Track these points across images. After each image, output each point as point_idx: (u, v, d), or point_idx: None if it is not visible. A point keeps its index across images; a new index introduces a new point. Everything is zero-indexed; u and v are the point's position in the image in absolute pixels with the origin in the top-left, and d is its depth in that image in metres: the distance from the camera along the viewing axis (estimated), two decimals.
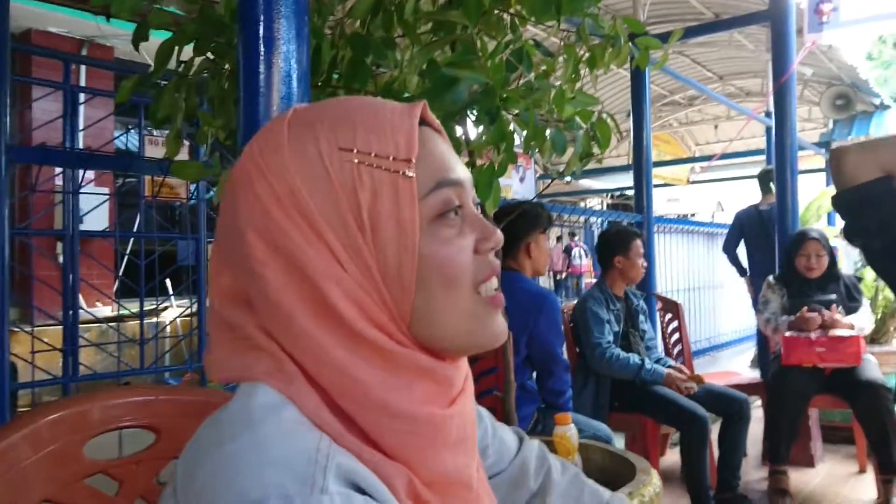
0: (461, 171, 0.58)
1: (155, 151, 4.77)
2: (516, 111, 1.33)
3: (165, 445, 0.86)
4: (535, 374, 2.39)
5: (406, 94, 1.43)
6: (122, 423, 0.84)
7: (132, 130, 5.90)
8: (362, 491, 0.48)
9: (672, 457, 3.41)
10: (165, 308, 5.29)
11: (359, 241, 0.52)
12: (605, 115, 1.46)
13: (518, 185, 7.85)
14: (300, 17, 1.14)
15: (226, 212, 0.56)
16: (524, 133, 1.42)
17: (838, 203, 1.37)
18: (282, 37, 1.10)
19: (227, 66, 1.41)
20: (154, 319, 4.80)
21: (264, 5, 1.12)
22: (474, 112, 1.29)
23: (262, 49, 1.11)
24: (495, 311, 0.58)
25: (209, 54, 1.40)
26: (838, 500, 3.06)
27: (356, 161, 0.52)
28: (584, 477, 0.84)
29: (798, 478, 3.31)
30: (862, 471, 3.40)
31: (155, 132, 4.80)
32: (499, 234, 0.58)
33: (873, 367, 3.05)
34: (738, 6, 6.84)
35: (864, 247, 1.41)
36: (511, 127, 1.43)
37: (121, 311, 4.50)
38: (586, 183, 12.48)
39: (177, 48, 1.35)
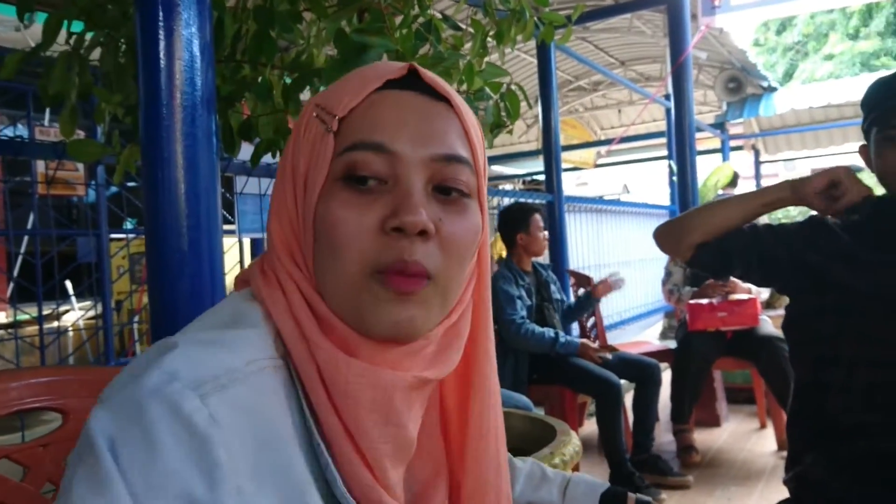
0: (400, 142, 0.53)
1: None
2: None
3: (74, 427, 0.82)
4: None
5: (316, 68, 1.41)
6: (26, 405, 0.79)
7: (20, 123, 5.50)
8: (252, 418, 0.47)
9: (589, 427, 3.54)
10: (66, 311, 5.00)
11: (298, 182, 0.56)
12: (514, 87, 1.48)
13: None
14: None
15: None
16: None
17: (702, 270, 1.49)
18: (181, 2, 1.06)
19: (122, 40, 1.34)
20: (55, 323, 4.53)
21: None
22: None
23: (160, 16, 1.06)
24: (393, 299, 0.52)
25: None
26: (743, 455, 3.26)
27: (315, 115, 0.56)
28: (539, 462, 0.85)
29: (706, 436, 3.51)
30: (762, 427, 3.64)
31: (45, 123, 4.50)
32: (414, 217, 0.51)
33: (769, 325, 3.27)
34: None
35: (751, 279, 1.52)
36: None
37: (17, 317, 4.23)
38: (498, 169, 12.65)
39: (66, 21, 1.27)
